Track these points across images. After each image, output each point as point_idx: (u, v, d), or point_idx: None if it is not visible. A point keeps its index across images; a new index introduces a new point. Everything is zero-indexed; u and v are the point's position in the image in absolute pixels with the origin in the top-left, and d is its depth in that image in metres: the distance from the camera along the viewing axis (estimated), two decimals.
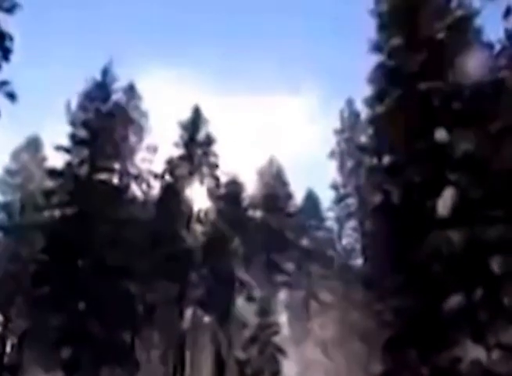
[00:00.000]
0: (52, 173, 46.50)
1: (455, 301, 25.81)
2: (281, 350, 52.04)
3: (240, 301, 54.91)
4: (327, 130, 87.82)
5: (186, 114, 57.87)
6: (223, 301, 52.07)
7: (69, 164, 45.32)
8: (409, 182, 29.56)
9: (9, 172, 61.66)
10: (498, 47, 30.72)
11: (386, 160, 31.37)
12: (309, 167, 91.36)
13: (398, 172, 30.37)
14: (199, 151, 56.19)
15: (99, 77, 48.74)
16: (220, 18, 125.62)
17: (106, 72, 48.93)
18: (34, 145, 63.97)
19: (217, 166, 56.65)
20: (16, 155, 63.05)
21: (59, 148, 46.19)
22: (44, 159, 61.73)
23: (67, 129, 46.75)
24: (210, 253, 50.68)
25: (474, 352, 24.76)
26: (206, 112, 57.99)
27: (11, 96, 31.37)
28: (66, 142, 46.27)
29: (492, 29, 31.79)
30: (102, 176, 46.08)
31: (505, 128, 27.41)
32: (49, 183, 46.87)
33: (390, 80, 32.91)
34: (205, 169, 55.44)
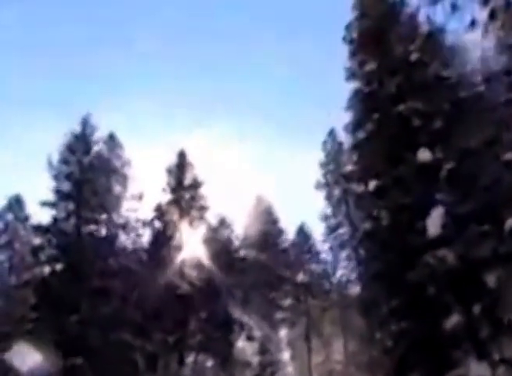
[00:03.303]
0: (39, 229, 46.01)
1: (454, 319, 25.53)
2: None
3: (241, 342, 54.49)
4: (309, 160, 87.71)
5: (171, 159, 57.79)
6: (223, 344, 51.58)
7: (55, 219, 44.93)
8: (396, 205, 29.39)
9: None
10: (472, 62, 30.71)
11: (372, 185, 31.19)
12: (297, 200, 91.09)
13: (385, 196, 30.22)
14: (187, 195, 55.90)
15: (78, 128, 48.47)
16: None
17: (85, 123, 48.72)
18: (16, 203, 63.94)
19: (206, 209, 56.27)
20: None
21: (44, 204, 45.80)
22: (28, 217, 61.71)
23: (49, 184, 46.38)
24: (207, 297, 50.20)
25: (479, 369, 24.42)
26: (191, 155, 57.96)
27: None
28: (49, 196, 45.93)
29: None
30: (90, 228, 45.73)
31: (486, 143, 27.32)
32: (36, 240, 46.43)
33: (368, 105, 32.92)
34: (194, 213, 55.04)
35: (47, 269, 42.61)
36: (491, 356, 24.97)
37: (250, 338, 53.79)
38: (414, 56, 31.62)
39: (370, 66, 33.33)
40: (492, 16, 19.44)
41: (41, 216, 46.29)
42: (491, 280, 25.17)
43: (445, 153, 28.51)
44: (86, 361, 38.87)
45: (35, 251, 45.52)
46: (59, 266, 42.17)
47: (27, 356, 36.83)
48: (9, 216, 63.62)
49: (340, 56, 36.57)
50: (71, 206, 45.51)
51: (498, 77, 26.65)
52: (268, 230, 67.71)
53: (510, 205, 25.19)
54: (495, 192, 26.01)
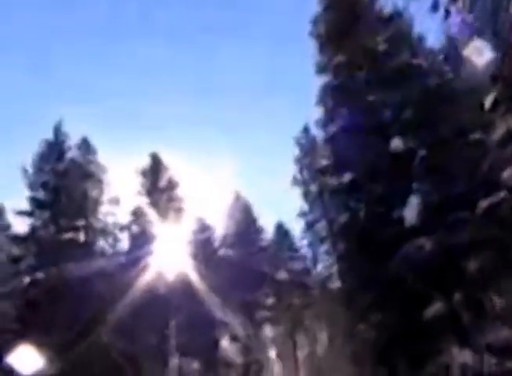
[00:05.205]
0: (16, 239, 45.92)
1: (435, 308, 25.52)
2: None
3: (224, 343, 54.32)
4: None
5: (145, 162, 57.55)
6: (207, 346, 51.40)
7: (32, 228, 44.73)
8: (371, 196, 29.41)
9: None
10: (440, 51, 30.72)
11: (346, 178, 31.18)
12: (274, 199, 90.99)
13: (360, 188, 30.23)
14: (163, 197, 55.67)
15: (50, 136, 48.24)
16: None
17: (57, 131, 48.46)
18: None
19: (183, 210, 56.06)
20: None
21: (20, 213, 45.62)
22: (9, 226, 60.87)
23: (25, 193, 46.18)
24: (188, 299, 49.97)
25: (462, 356, 24.43)
26: (165, 158, 57.76)
27: None
28: (27, 205, 45.73)
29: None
30: (68, 235, 45.48)
31: (457, 130, 27.40)
32: (15, 250, 46.20)
33: (338, 98, 32.91)
34: (172, 214, 54.78)
35: (26, 280, 42.42)
36: (474, 342, 24.97)
37: (234, 338, 53.69)
38: (382, 47, 31.70)
39: (338, 59, 33.32)
40: None
41: (23, 225, 46.36)
42: (471, 266, 25.21)
43: (417, 141, 28.56)
44: (70, 367, 38.64)
45: (15, 261, 45.30)
46: (37, 276, 41.96)
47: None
48: None
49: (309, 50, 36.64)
50: (47, 214, 45.27)
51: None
52: (247, 229, 67.45)
53: (484, 189, 25.25)
54: (469, 177, 26.06)
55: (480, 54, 21.12)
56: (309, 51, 36.49)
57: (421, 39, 32.80)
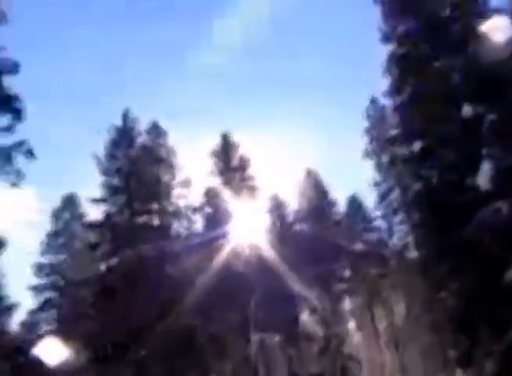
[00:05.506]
0: (92, 226, 46.69)
1: None
2: (352, 358, 51.61)
3: (304, 316, 54.54)
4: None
5: (216, 142, 57.67)
6: (287, 320, 51.65)
7: (107, 214, 45.35)
8: (444, 163, 29.13)
9: (51, 234, 61.46)
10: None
11: (416, 146, 30.95)
12: (346, 172, 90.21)
13: (432, 156, 29.95)
14: (235, 177, 55.79)
15: (119, 123, 48.80)
16: None
17: (125, 117, 48.97)
18: (71, 203, 64.06)
19: (256, 188, 56.13)
20: (55, 215, 63.01)
21: (94, 201, 46.29)
22: (83, 215, 61.60)
23: (100, 180, 46.83)
24: (265, 275, 50.17)
25: None
26: (235, 137, 57.81)
27: (30, 154, 30.99)
28: (101, 192, 46.43)
29: None
30: (142, 219, 46.06)
31: None
32: (92, 237, 47.00)
33: (404, 67, 32.57)
34: (245, 193, 54.89)
35: (103, 265, 43.16)
36: None
37: (313, 312, 53.85)
38: (446, 11, 31.25)
39: (402, 27, 32.97)
40: None
41: (97, 213, 47.12)
42: None
43: (485, 106, 28.14)
44: (150, 352, 39.22)
45: (92, 247, 46.03)
46: (113, 261, 42.61)
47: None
48: (65, 215, 63.79)
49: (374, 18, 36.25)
50: (122, 199, 45.87)
51: None
52: (320, 203, 67.30)
53: None
54: None
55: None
56: (374, 21, 36.18)
57: (486, 1, 32.20)
